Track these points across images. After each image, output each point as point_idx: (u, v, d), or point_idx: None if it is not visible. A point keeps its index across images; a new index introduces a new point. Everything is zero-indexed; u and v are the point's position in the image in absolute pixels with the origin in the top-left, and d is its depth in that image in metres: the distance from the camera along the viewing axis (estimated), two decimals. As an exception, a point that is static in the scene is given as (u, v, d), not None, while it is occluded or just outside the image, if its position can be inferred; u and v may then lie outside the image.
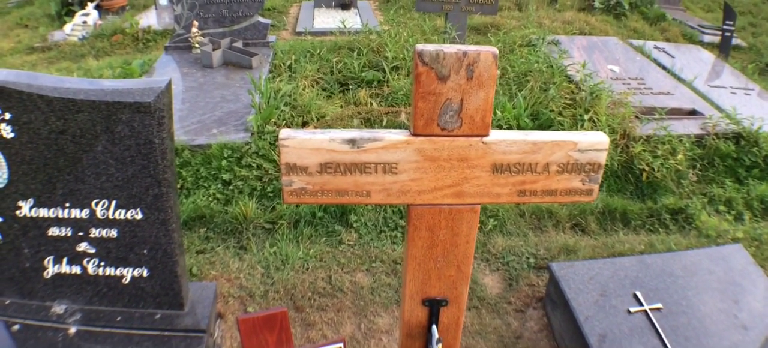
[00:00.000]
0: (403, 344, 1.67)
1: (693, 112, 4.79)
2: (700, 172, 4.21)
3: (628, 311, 2.47)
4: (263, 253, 3.11)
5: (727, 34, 7.35)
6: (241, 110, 4.32)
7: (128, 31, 6.97)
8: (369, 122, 4.35)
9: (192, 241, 3.18)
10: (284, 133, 1.29)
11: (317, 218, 3.40)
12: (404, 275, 1.54)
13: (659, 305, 2.50)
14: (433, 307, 1.57)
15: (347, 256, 3.16)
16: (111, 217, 2.09)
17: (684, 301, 2.53)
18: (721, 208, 3.82)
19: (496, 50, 1.23)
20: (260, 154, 3.76)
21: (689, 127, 4.45)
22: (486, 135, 1.32)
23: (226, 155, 3.72)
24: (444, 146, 1.31)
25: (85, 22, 7.32)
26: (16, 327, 2.19)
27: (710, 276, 2.68)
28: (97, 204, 2.06)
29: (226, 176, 3.63)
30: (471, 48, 1.22)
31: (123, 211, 2.08)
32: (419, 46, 1.22)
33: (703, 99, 5.14)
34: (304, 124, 4.21)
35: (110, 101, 1.87)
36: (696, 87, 5.44)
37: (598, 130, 4.02)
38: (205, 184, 3.59)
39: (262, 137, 3.88)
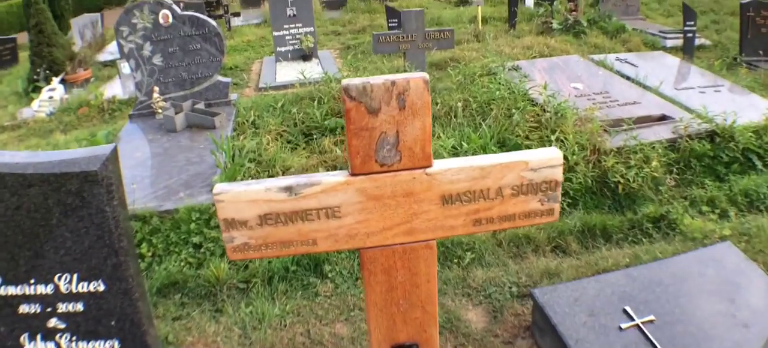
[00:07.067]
0: (374, 395, 1.58)
1: (663, 118, 4.80)
2: (677, 177, 4.18)
3: (620, 328, 2.38)
4: (239, 314, 3.00)
5: (689, 35, 7.46)
6: (206, 171, 4.25)
7: (93, 103, 6.90)
8: (335, 169, 4.30)
9: (167, 308, 3.07)
10: (218, 187, 1.23)
11: (291, 272, 3.31)
12: (368, 323, 1.47)
13: (652, 317, 2.41)
14: (402, 353, 1.49)
15: (325, 307, 3.05)
16: (74, 290, 2.05)
17: (677, 310, 2.44)
18: (705, 208, 3.78)
19: (426, 75, 1.19)
20: (229, 213, 3.68)
21: (660, 133, 4.44)
22: (429, 166, 1.26)
23: (194, 218, 3.64)
24: (386, 183, 1.25)
25: (51, 97, 7.28)
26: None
27: (702, 279, 2.60)
28: (59, 278, 2.04)
29: (196, 239, 3.54)
30: (399, 77, 1.17)
31: (85, 284, 2.04)
32: (345, 81, 1.17)
33: (671, 103, 5.17)
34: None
35: (58, 173, 1.86)
36: (663, 92, 5.46)
37: (567, 149, 4.07)
38: (177, 250, 3.50)
39: (230, 196, 3.81)
